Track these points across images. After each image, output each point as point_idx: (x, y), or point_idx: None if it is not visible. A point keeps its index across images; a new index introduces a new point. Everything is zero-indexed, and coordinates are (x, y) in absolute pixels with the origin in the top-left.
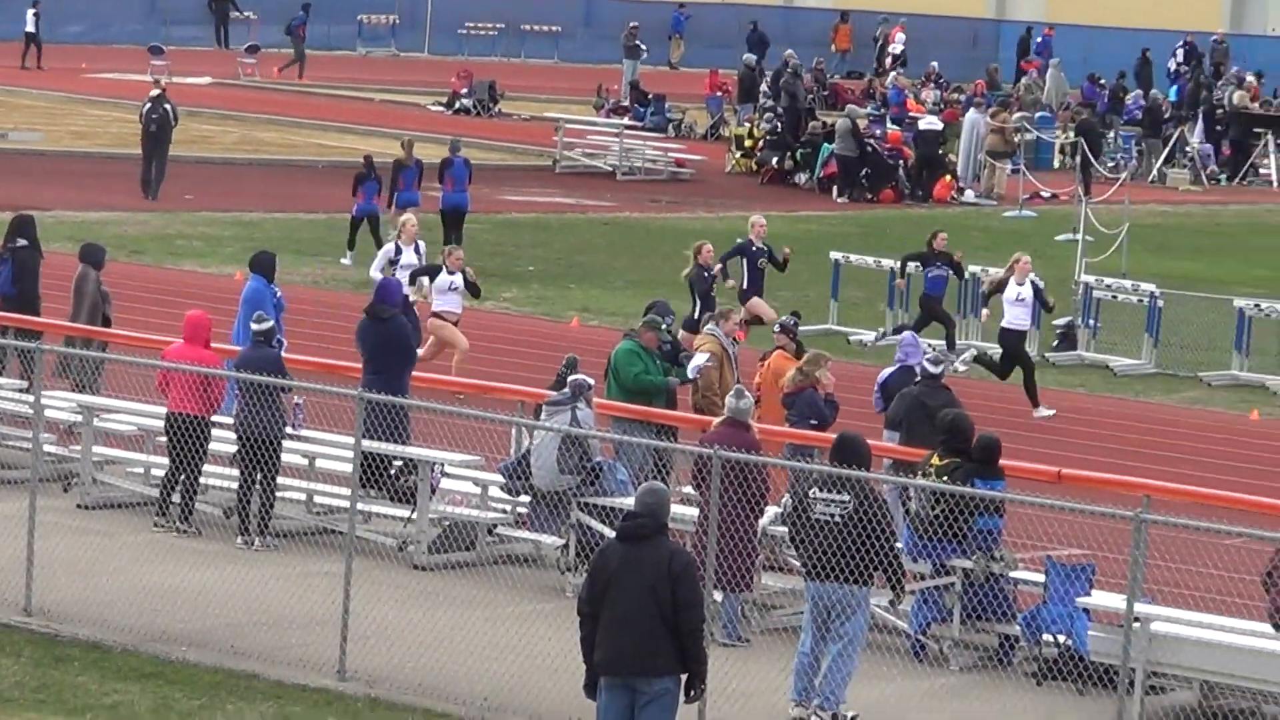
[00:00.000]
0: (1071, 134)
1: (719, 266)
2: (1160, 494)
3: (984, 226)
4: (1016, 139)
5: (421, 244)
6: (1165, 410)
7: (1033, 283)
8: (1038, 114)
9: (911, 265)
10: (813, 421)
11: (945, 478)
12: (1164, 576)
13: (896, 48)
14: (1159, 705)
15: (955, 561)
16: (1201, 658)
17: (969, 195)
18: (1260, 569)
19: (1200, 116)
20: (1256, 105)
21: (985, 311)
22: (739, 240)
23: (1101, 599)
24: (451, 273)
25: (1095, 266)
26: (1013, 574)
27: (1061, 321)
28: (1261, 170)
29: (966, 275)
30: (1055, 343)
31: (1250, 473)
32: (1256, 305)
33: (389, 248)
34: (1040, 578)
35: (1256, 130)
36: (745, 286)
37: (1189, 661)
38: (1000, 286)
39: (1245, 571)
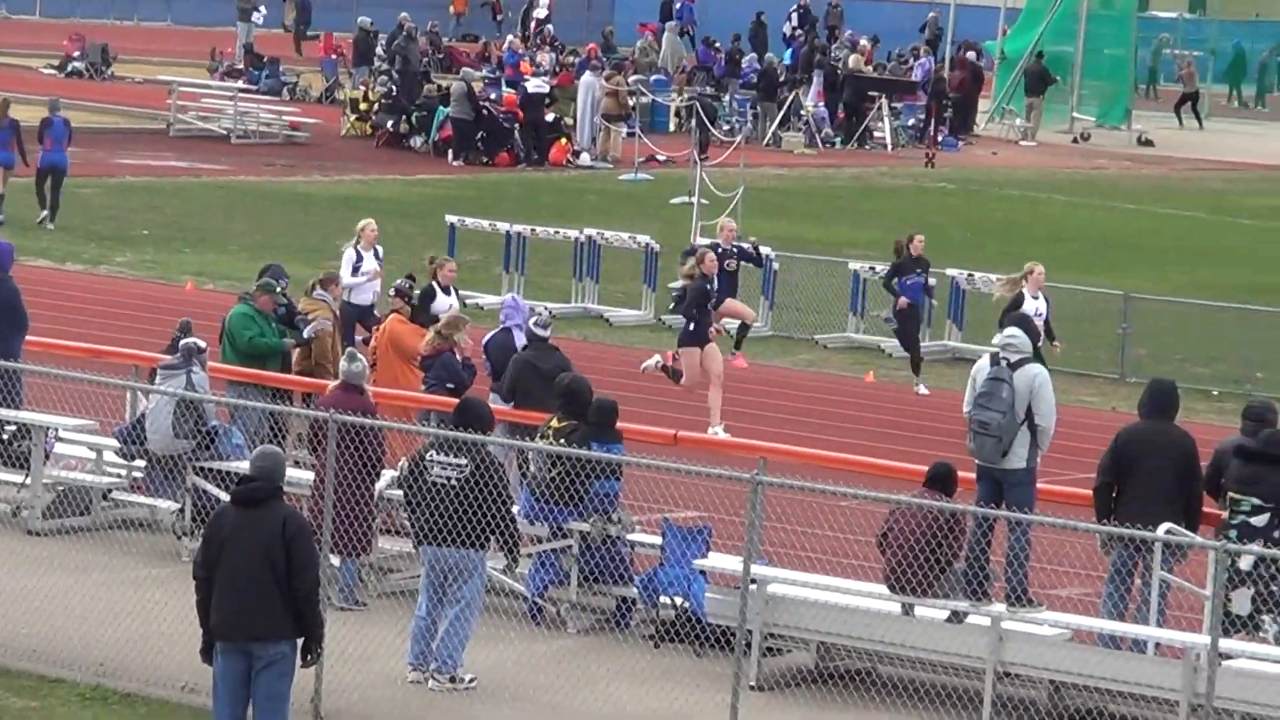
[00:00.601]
0: (686, 97)
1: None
2: (776, 456)
3: (600, 190)
4: (631, 102)
5: (380, 249)
6: (781, 373)
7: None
8: (653, 77)
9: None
10: (450, 385)
11: (563, 440)
12: (780, 538)
13: (541, 11)
14: (776, 666)
15: (573, 524)
16: (818, 619)
17: (584, 158)
18: (875, 530)
19: (815, 80)
20: (870, 69)
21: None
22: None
23: (718, 561)
24: (447, 290)
25: (710, 230)
26: (630, 536)
27: (677, 285)
28: (876, 133)
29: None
30: (671, 305)
31: (865, 434)
32: (871, 268)
33: (350, 254)
34: (657, 540)
35: (870, 94)
36: (716, 289)
37: (805, 623)
38: (1016, 304)
39: (860, 533)
